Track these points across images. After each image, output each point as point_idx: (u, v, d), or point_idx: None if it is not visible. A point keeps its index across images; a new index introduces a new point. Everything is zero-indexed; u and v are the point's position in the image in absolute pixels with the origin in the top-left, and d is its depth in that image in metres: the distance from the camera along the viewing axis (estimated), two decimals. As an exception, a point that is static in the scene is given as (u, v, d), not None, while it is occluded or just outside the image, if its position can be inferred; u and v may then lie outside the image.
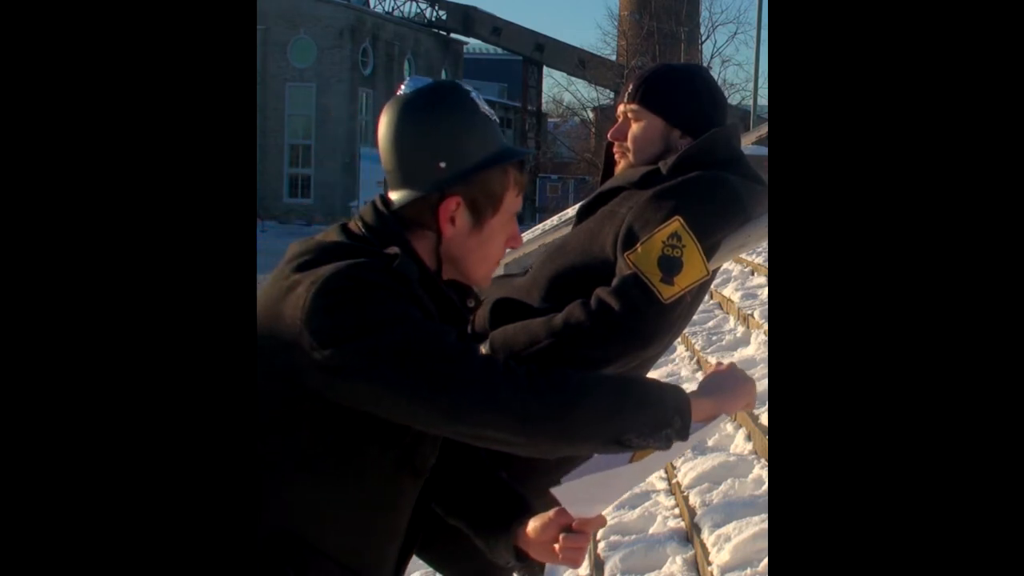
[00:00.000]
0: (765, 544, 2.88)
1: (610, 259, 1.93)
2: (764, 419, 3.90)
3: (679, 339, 5.52)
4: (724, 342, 5.73)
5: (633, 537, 3.60)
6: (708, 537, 3.18)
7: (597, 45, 59.02)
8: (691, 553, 3.32)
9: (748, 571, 2.90)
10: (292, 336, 1.42)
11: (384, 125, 1.60)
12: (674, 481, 3.91)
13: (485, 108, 1.60)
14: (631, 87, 2.08)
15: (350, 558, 1.54)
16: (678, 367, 5.85)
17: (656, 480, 4.07)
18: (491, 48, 45.73)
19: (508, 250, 1.69)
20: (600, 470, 1.58)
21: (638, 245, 1.87)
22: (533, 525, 1.63)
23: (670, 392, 1.51)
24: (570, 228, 2.17)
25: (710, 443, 4.10)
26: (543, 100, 45.03)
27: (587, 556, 3.36)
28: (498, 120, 1.65)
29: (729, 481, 3.60)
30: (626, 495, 3.50)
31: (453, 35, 43.28)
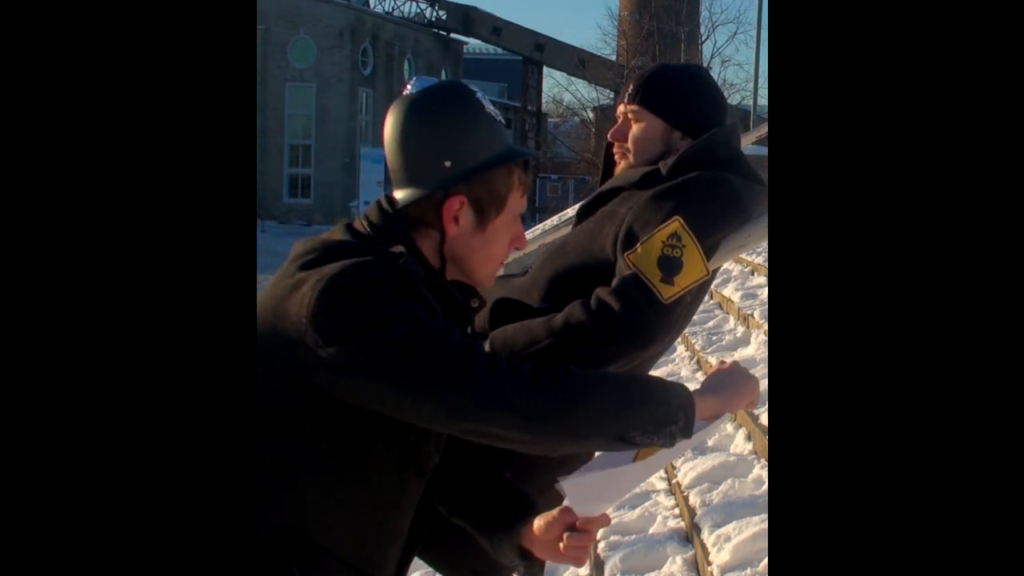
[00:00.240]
0: (765, 544, 2.88)
1: (610, 259, 1.93)
2: (764, 419, 3.90)
3: (679, 339, 5.52)
4: (724, 342, 5.73)
5: (633, 537, 3.60)
6: (708, 537, 3.18)
7: (597, 45, 59.05)
8: (691, 553, 3.32)
9: (748, 571, 2.90)
10: (297, 334, 1.42)
11: (390, 124, 1.61)
12: (674, 481, 3.91)
13: (491, 109, 1.61)
14: (631, 88, 2.08)
15: (354, 556, 1.54)
16: (678, 367, 5.86)
17: (656, 480, 4.07)
18: (491, 48, 45.73)
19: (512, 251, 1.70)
20: (604, 468, 1.58)
21: (638, 245, 1.87)
22: (538, 524, 1.64)
23: (674, 390, 1.52)
24: (570, 228, 2.17)
25: (710, 443, 4.10)
26: (543, 100, 45.02)
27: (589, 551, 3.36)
28: (503, 121, 1.65)
29: (729, 481, 3.60)
30: (626, 495, 3.51)
31: (453, 35, 43.26)
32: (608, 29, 50.52)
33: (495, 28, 42.05)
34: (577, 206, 2.50)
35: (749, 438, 4.06)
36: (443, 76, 40.75)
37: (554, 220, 4.86)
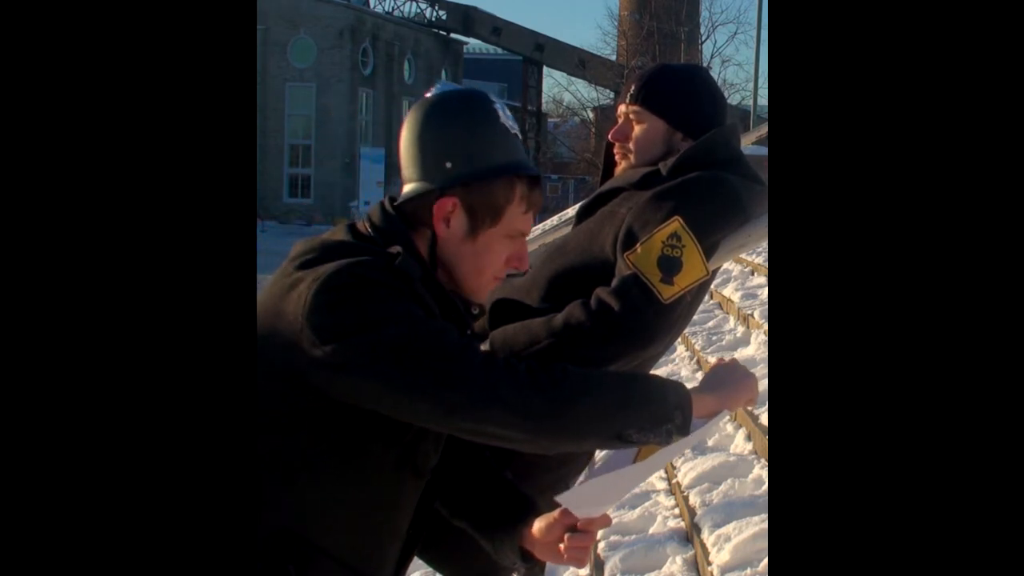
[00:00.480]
0: (765, 544, 2.88)
1: (610, 259, 1.93)
2: (764, 419, 3.90)
3: (679, 339, 5.52)
4: (724, 342, 5.73)
5: (633, 537, 3.60)
6: (708, 537, 3.18)
7: (597, 45, 59.08)
8: (691, 553, 3.32)
9: (748, 571, 2.90)
10: (293, 333, 1.43)
11: (405, 123, 1.62)
12: (674, 481, 3.91)
13: (506, 121, 1.60)
14: (633, 88, 2.08)
15: (351, 557, 1.54)
16: (678, 367, 5.86)
17: (656, 480, 4.07)
18: (491, 48, 45.75)
19: None
20: (606, 472, 1.58)
21: (638, 245, 1.87)
22: (538, 525, 1.63)
23: (671, 387, 1.52)
24: (570, 228, 2.17)
25: (710, 443, 4.10)
26: (543, 100, 45.04)
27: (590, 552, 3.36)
28: (519, 135, 1.64)
29: (729, 481, 3.60)
30: (626, 495, 3.51)
31: (453, 35, 43.28)
32: (608, 29, 50.54)
33: (495, 28, 42.06)
34: (577, 206, 2.50)
35: (749, 438, 4.06)
36: (443, 76, 40.80)
37: (554, 220, 4.86)
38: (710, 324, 6.32)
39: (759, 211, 1.99)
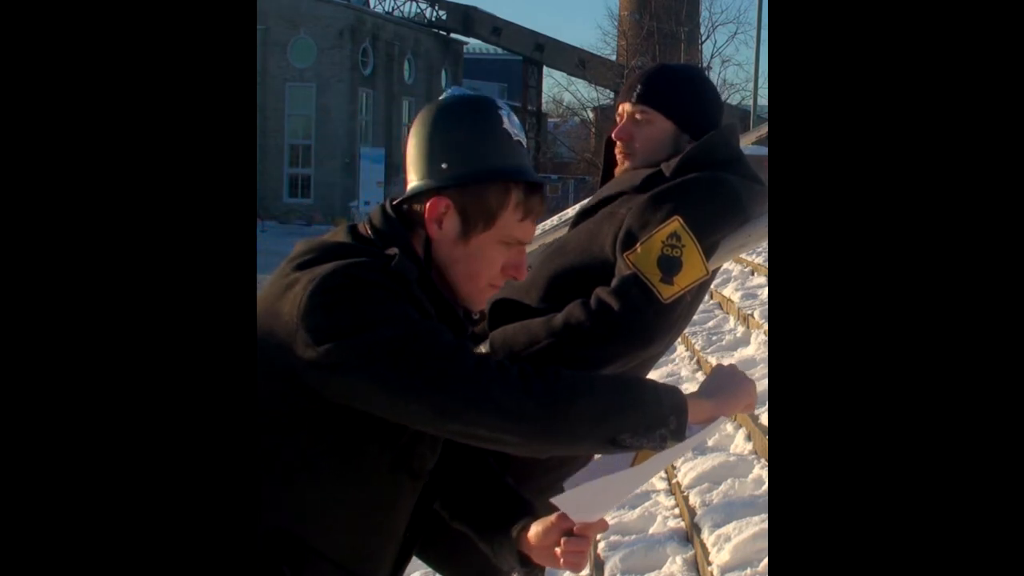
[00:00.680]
0: (765, 544, 2.88)
1: (609, 259, 1.93)
2: (764, 419, 3.90)
3: (679, 339, 5.52)
4: (724, 342, 5.73)
5: (633, 537, 3.60)
6: (708, 537, 3.18)
7: (597, 45, 59.06)
8: (691, 553, 3.32)
9: (748, 571, 2.90)
10: (289, 333, 1.43)
11: (412, 125, 1.62)
12: (674, 481, 3.91)
13: (510, 127, 1.58)
14: (638, 88, 2.07)
15: (346, 558, 1.54)
16: (678, 367, 5.86)
17: (656, 480, 4.07)
18: (491, 48, 45.71)
19: None
20: (602, 475, 1.57)
21: (637, 245, 1.87)
22: (535, 530, 1.63)
23: (666, 392, 1.51)
24: (569, 228, 2.17)
25: (710, 443, 4.10)
26: (543, 100, 45.04)
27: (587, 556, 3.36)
28: (525, 143, 1.62)
29: (729, 481, 3.60)
30: (624, 499, 3.50)
31: (453, 35, 43.25)
32: (608, 29, 50.55)
33: (495, 28, 42.05)
34: (577, 206, 2.50)
35: (749, 438, 4.06)
36: (443, 76, 40.82)
37: (554, 220, 4.86)
38: (710, 324, 6.32)
39: (759, 211, 1.99)
